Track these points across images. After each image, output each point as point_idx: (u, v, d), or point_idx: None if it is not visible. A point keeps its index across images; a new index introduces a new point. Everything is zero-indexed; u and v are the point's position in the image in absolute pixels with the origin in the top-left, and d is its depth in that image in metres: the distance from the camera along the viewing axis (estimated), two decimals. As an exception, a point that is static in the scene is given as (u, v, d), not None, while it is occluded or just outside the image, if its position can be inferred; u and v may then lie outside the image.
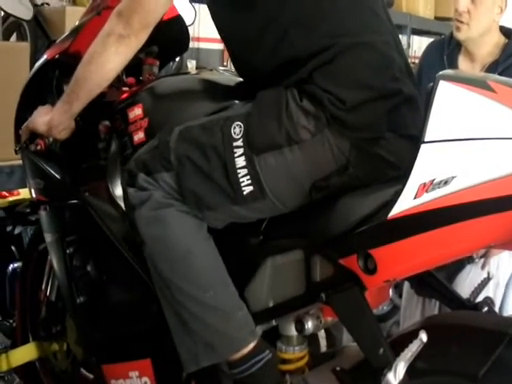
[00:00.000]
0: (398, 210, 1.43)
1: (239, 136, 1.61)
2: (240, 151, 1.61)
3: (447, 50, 2.73)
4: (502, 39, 2.69)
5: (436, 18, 6.73)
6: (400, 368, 1.47)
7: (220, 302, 1.68)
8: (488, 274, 2.52)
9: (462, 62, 2.72)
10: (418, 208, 1.40)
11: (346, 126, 1.58)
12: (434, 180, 1.38)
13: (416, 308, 2.74)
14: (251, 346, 1.67)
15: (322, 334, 1.93)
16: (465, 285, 2.50)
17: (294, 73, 1.62)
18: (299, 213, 1.66)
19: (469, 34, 2.64)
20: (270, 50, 1.65)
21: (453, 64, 2.67)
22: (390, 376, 1.48)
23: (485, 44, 2.66)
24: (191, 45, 2.19)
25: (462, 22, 2.61)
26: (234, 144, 1.61)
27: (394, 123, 1.61)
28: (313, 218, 1.63)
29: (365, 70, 1.61)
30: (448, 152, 1.39)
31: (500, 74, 2.54)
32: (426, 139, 1.41)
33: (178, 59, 4.29)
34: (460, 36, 2.65)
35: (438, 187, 1.38)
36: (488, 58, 2.67)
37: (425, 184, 1.39)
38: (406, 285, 2.75)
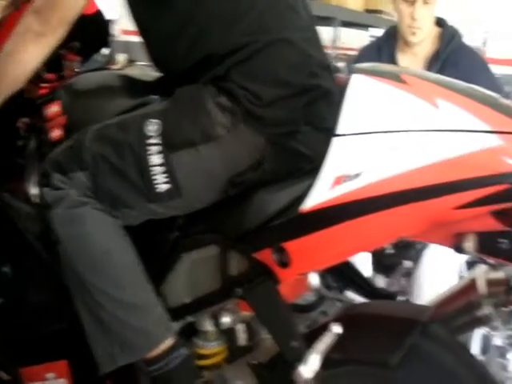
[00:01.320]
0: (310, 203, 1.44)
1: (155, 133, 1.60)
2: (155, 149, 1.59)
3: (386, 50, 2.77)
4: (436, 29, 2.78)
5: (366, 11, 6.79)
6: (312, 360, 1.49)
7: (136, 300, 1.66)
8: (402, 263, 2.57)
9: (403, 59, 2.77)
10: (329, 201, 1.42)
11: (261, 122, 1.58)
12: (346, 173, 1.40)
13: None
14: (168, 342, 1.66)
15: (241, 328, 1.92)
16: (381, 275, 2.54)
17: (211, 70, 1.61)
18: (214, 208, 1.65)
19: (422, 36, 2.74)
20: (188, 47, 1.64)
21: (394, 63, 2.73)
22: (303, 368, 1.49)
23: (427, 39, 2.75)
24: (121, 38, 2.16)
25: (418, 28, 2.68)
26: (149, 142, 1.59)
27: (311, 117, 1.63)
28: (228, 213, 1.63)
29: (282, 66, 1.62)
30: (359, 145, 1.41)
31: (443, 63, 2.68)
32: (337, 132, 1.42)
33: (107, 53, 4.24)
34: (415, 39, 2.74)
35: (350, 180, 1.40)
36: (429, 51, 2.75)
37: (338, 177, 1.41)
38: None
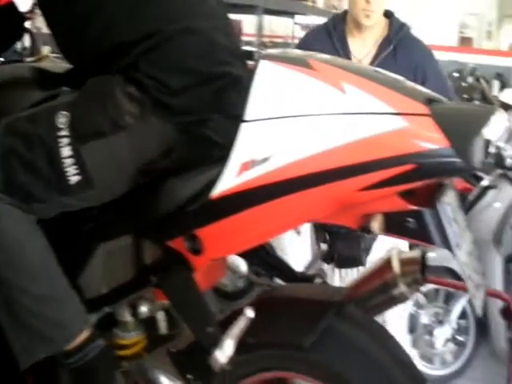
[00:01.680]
0: (220, 189, 1.44)
1: (64, 125, 1.57)
2: (65, 141, 1.57)
3: (336, 34, 2.78)
4: (384, 19, 2.82)
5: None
6: (227, 345, 1.49)
7: (52, 293, 1.64)
8: (320, 246, 2.60)
9: (354, 43, 2.79)
10: (239, 186, 1.42)
11: (170, 111, 1.57)
12: (254, 159, 1.41)
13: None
14: (85, 334, 1.64)
15: (161, 316, 1.91)
16: (298, 258, 2.57)
17: (120, 60, 1.59)
18: (127, 198, 1.64)
19: (375, 19, 2.76)
20: (96, 38, 1.62)
21: (345, 47, 2.75)
22: (218, 353, 1.50)
23: (377, 25, 2.79)
24: (46, 30, 2.11)
25: (372, 11, 2.70)
26: (59, 134, 1.57)
27: (221, 105, 1.62)
28: (140, 203, 1.62)
29: (189, 55, 1.61)
30: (267, 130, 1.42)
31: (395, 48, 2.72)
32: (245, 118, 1.43)
33: (30, 45, 4.17)
34: (368, 23, 2.75)
35: (258, 165, 1.40)
36: (379, 37, 2.78)
37: (245, 163, 1.41)
38: None
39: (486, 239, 3.74)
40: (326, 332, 1.51)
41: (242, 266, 3.95)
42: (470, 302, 1.51)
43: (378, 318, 1.74)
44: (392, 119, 1.35)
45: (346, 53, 2.73)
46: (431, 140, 1.33)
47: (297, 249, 2.62)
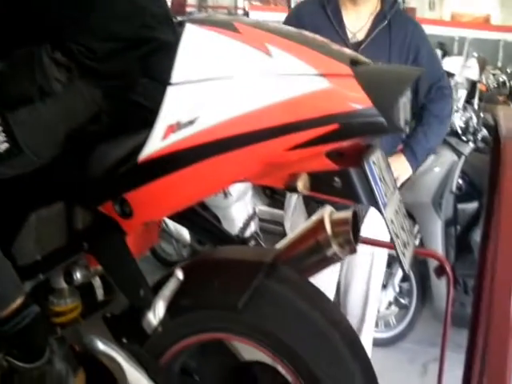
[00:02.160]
0: (147, 152, 1.45)
1: None
2: None
3: (329, 7, 2.76)
4: None
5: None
6: (159, 307, 1.51)
7: None
8: (254, 209, 2.62)
9: (348, 16, 2.77)
10: (165, 149, 1.43)
11: (97, 76, 1.57)
12: (179, 121, 1.41)
13: None
14: (18, 301, 1.63)
15: (97, 282, 1.92)
16: (236, 217, 2.59)
17: (46, 28, 1.58)
18: (57, 164, 1.63)
19: None
20: (22, 11, 1.61)
21: (340, 20, 2.72)
22: (150, 315, 1.51)
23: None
24: None
25: None
26: None
27: (150, 69, 1.62)
28: (69, 168, 1.62)
29: (113, 19, 1.61)
30: (192, 93, 1.43)
31: (390, 24, 2.69)
32: (172, 81, 1.43)
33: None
34: None
35: (185, 127, 1.41)
36: (372, 10, 2.76)
37: (171, 125, 1.42)
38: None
39: (427, 203, 3.79)
40: (258, 292, 1.52)
41: (186, 235, 3.99)
42: (399, 260, 1.52)
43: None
44: (316, 80, 1.36)
45: (340, 26, 2.69)
46: (354, 100, 1.35)
47: (233, 212, 2.64)
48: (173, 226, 4.06)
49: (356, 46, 2.59)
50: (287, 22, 2.70)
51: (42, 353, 1.64)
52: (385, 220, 1.46)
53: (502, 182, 1.31)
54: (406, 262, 1.55)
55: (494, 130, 1.78)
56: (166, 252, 4.75)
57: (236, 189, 3.94)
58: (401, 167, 2.90)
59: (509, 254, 1.28)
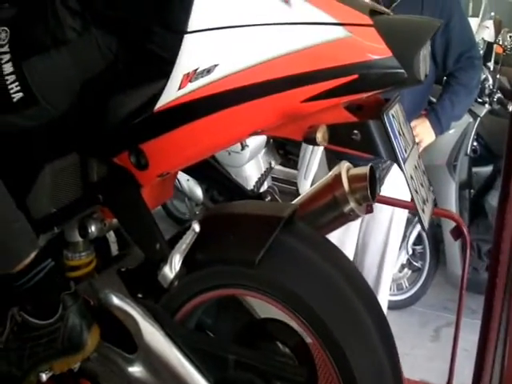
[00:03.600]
0: (163, 101, 1.43)
1: (4, 41, 1.54)
2: (6, 57, 1.53)
3: None
4: None
5: None
6: (175, 260, 1.49)
7: None
8: (270, 164, 2.60)
9: None
10: (182, 98, 1.40)
11: (112, 24, 1.54)
12: (197, 69, 1.39)
13: None
14: (32, 255, 1.62)
15: (111, 236, 1.91)
16: (249, 175, 2.57)
17: None
18: (71, 114, 1.61)
19: None
20: None
21: None
22: (166, 269, 1.50)
23: None
24: None
25: None
26: (0, 51, 1.54)
27: (164, 17, 1.58)
28: (85, 119, 1.59)
29: None
30: (210, 40, 1.40)
31: None
32: (188, 29, 1.40)
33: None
34: None
35: (202, 76, 1.39)
36: None
37: (188, 74, 1.39)
38: None
39: (441, 165, 3.77)
40: (275, 247, 1.50)
41: (199, 193, 3.98)
42: (418, 217, 1.50)
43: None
44: (335, 29, 1.33)
45: None
46: (374, 50, 1.32)
47: (246, 170, 2.62)
48: (186, 184, 4.06)
49: (387, 4, 2.56)
50: None
51: (55, 310, 1.63)
52: (404, 175, 1.44)
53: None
54: (426, 218, 1.53)
55: (510, 92, 1.75)
56: (179, 211, 4.77)
57: (249, 147, 3.93)
58: (424, 132, 2.89)
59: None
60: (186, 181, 3.95)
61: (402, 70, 1.31)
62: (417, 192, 1.50)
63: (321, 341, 1.52)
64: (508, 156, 1.72)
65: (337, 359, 1.51)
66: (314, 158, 3.23)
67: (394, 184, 2.71)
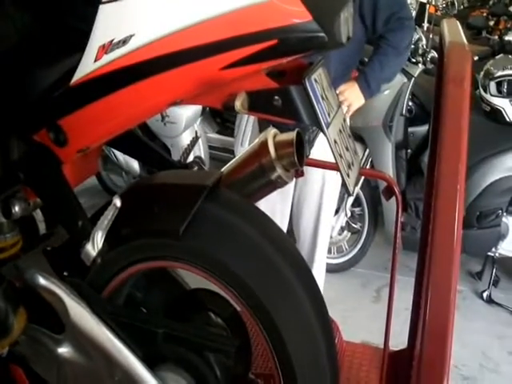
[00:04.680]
0: (79, 75, 1.39)
1: None
2: None
3: None
4: None
5: None
6: (97, 237, 1.46)
7: None
8: (196, 133, 2.57)
9: None
10: (98, 71, 1.36)
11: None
12: (112, 40, 1.34)
13: None
14: None
15: (39, 216, 1.86)
16: (182, 148, 2.54)
17: None
18: None
19: None
20: None
21: None
22: (89, 246, 1.47)
23: None
24: None
25: None
26: None
27: None
28: (1, 95, 1.54)
29: None
30: (125, 10, 1.35)
31: None
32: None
33: None
34: None
35: (117, 47, 1.35)
36: None
37: (104, 45, 1.35)
38: None
39: (377, 126, 3.79)
40: (199, 217, 1.48)
41: (135, 166, 3.93)
42: (343, 181, 1.49)
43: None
44: None
45: None
46: (294, 14, 1.29)
47: (182, 140, 2.59)
48: (122, 157, 4.02)
49: None
50: None
51: None
52: (328, 140, 1.42)
53: (445, 93, 1.28)
54: (351, 182, 1.52)
55: (439, 44, 1.75)
56: (116, 184, 4.71)
57: (185, 117, 3.89)
58: (353, 95, 2.88)
59: (449, 169, 1.27)
60: (122, 154, 3.90)
61: (323, 34, 1.28)
62: (341, 156, 1.49)
63: (250, 310, 1.51)
64: (436, 111, 1.73)
65: (267, 328, 1.50)
66: (249, 125, 3.21)
67: (325, 146, 2.71)
